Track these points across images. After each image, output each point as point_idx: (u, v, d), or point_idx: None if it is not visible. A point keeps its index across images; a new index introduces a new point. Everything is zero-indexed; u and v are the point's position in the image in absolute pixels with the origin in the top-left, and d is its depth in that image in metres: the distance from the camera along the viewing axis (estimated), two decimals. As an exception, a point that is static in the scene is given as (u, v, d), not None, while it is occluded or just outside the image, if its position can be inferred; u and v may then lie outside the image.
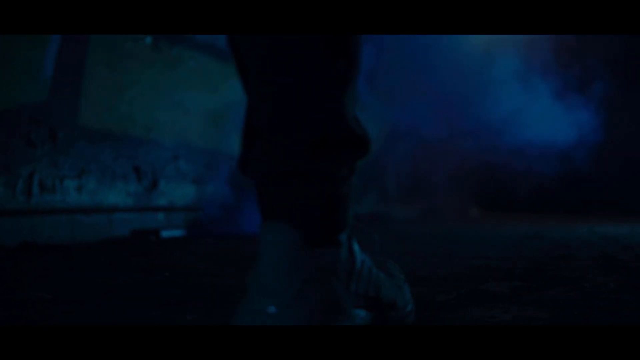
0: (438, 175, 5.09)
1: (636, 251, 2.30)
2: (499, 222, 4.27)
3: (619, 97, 5.05)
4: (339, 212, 0.83)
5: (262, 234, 0.80)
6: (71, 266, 1.72)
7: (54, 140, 2.30)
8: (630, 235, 3.14)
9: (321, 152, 0.79)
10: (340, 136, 0.80)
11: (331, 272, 0.83)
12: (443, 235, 3.07)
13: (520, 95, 5.08)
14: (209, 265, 1.81)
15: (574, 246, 2.51)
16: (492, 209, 5.33)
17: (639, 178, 5.16)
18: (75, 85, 2.37)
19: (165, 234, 2.59)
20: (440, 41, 4.60)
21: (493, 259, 1.99)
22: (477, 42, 4.98)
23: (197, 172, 2.96)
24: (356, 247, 0.88)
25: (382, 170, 4.54)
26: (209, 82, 2.90)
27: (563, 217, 4.79)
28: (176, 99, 2.77)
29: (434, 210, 4.89)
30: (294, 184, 0.80)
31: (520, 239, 2.90)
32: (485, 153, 5.12)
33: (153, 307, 1.16)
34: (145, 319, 1.06)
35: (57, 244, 2.23)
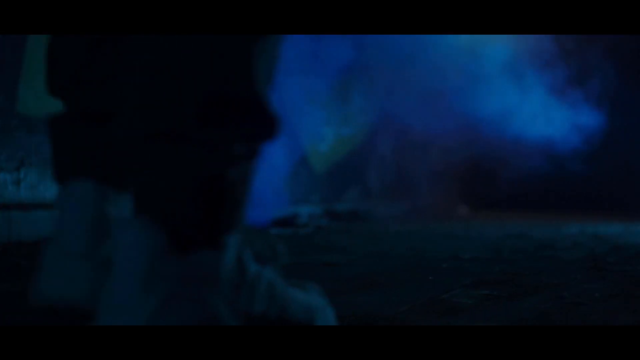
0: (425, 171, 4.89)
1: (627, 253, 2.10)
2: (486, 220, 4.07)
3: (615, 94, 4.86)
4: (226, 203, 0.63)
5: (115, 232, 0.61)
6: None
7: (-11, 128, 2.09)
8: (623, 235, 2.94)
9: (215, 115, 0.61)
10: (245, 101, 0.62)
11: (209, 285, 0.62)
12: (422, 235, 2.87)
13: (512, 91, 4.89)
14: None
15: (560, 247, 2.31)
16: (482, 206, 5.13)
17: (635, 175, 4.96)
18: (13, 68, 2.16)
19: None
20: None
21: (467, 262, 1.78)
22: (466, 35, 4.77)
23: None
24: (248, 256, 0.67)
25: (364, 165, 4.33)
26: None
27: (555, 216, 4.59)
28: (132, 85, 2.55)
29: (420, 207, 4.68)
30: (169, 154, 0.60)
31: (504, 238, 2.69)
32: (475, 149, 4.93)
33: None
34: None
35: (-9, 243, 2.02)
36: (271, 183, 3.27)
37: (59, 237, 0.70)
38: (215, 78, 0.60)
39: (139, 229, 0.60)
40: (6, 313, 1.02)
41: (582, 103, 4.91)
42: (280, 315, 0.71)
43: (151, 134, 0.60)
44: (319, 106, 3.66)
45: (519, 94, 4.93)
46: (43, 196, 2.26)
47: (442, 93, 4.74)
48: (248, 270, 0.67)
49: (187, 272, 0.60)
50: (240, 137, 0.62)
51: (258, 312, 0.68)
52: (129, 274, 0.59)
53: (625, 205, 4.77)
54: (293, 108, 3.56)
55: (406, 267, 1.65)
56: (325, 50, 3.65)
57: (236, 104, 0.61)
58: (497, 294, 1.25)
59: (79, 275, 0.68)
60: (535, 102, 4.95)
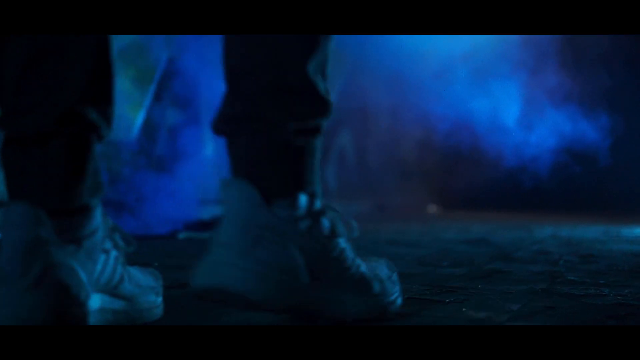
0: (391, 167, 4.48)
1: (598, 265, 1.68)
2: (453, 222, 3.65)
3: (600, 91, 4.46)
4: (293, 164, 0.85)
5: (224, 189, 0.85)
6: None
7: None
8: (600, 240, 2.52)
9: (274, 98, 0.83)
10: (295, 86, 0.83)
11: (290, 234, 0.84)
12: (365, 240, 2.44)
13: (489, 90, 4.49)
14: None
15: (519, 256, 1.89)
16: (454, 206, 4.71)
17: (624, 174, 4.56)
18: None
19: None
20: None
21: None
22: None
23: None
24: (326, 225, 0.88)
25: (320, 159, 3.90)
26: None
27: (532, 217, 4.18)
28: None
29: (384, 206, 4.26)
30: (249, 132, 0.84)
31: (460, 244, 2.27)
32: (449, 145, 4.53)
33: None
34: None
35: None
36: (199, 179, 2.85)
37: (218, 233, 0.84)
38: (277, 71, 0.83)
39: (239, 189, 0.83)
40: None
41: (564, 103, 4.53)
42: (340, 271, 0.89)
43: (236, 118, 0.85)
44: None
45: (496, 93, 4.54)
46: None
47: (414, 84, 4.35)
48: (323, 227, 0.89)
49: (273, 221, 0.83)
50: (295, 114, 0.84)
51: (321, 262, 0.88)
52: (231, 219, 0.83)
53: (610, 206, 4.37)
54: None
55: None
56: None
57: (291, 89, 0.83)
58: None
59: (225, 262, 0.82)
60: (513, 102, 4.57)
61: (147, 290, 0.95)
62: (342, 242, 0.90)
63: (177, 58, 2.88)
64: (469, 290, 1.24)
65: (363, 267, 0.92)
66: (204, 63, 2.99)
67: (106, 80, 0.87)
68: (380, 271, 0.95)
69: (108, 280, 0.87)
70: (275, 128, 0.83)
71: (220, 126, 0.87)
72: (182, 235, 2.25)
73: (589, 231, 2.99)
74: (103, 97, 0.86)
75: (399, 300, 0.97)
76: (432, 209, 4.57)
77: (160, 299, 0.98)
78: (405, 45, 4.24)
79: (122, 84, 2.67)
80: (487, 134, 4.56)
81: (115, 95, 0.88)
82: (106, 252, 0.87)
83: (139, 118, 2.75)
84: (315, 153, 0.88)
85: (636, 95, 4.55)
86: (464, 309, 1.05)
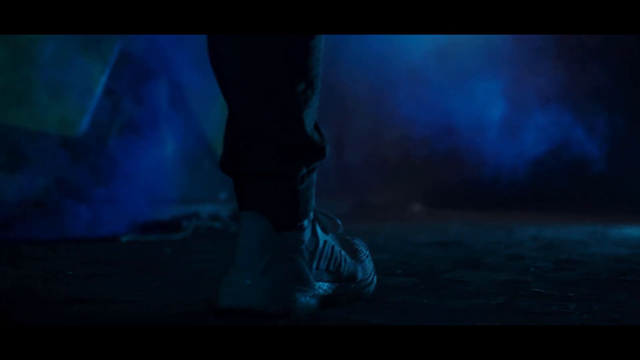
0: (374, 165, 4.29)
1: (571, 272, 1.49)
2: (434, 222, 3.46)
3: (594, 90, 4.28)
4: (301, 203, 0.96)
5: (239, 220, 0.96)
6: None
7: None
8: (584, 242, 2.33)
9: (284, 156, 0.94)
10: (299, 143, 0.95)
11: (296, 251, 0.96)
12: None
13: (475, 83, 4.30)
14: None
15: (487, 262, 1.70)
16: (440, 205, 4.52)
17: (619, 172, 4.37)
18: None
19: None
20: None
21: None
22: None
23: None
24: (319, 230, 1.01)
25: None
26: None
27: (520, 216, 3.99)
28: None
29: (366, 205, 4.07)
30: (264, 182, 0.95)
31: (428, 247, 2.08)
32: (435, 143, 4.33)
33: None
34: None
35: None
36: (158, 178, 2.66)
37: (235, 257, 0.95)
38: (283, 135, 0.94)
39: (254, 219, 0.94)
40: None
41: (558, 101, 4.34)
42: (336, 270, 1.03)
43: (252, 172, 0.95)
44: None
45: (487, 90, 4.35)
46: None
47: (399, 80, 4.16)
48: (319, 240, 0.99)
49: (284, 244, 0.94)
50: (302, 164, 0.95)
51: (323, 267, 1.01)
52: (247, 245, 0.93)
53: (602, 205, 4.19)
54: (195, 87, 2.96)
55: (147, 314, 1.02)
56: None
57: (297, 146, 0.95)
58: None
59: (246, 284, 0.92)
60: (500, 99, 4.39)
61: None
62: (331, 240, 1.03)
63: (133, 42, 2.69)
64: (410, 306, 1.05)
65: (348, 258, 1.06)
66: (165, 52, 2.81)
67: None
68: (360, 252, 1.10)
69: None
70: (284, 178, 0.94)
71: (232, 174, 0.97)
72: (125, 239, 2.06)
73: (575, 232, 2.81)
74: None
75: (375, 279, 1.12)
76: (417, 208, 4.38)
77: None
78: (387, 41, 4.05)
79: (78, 59, 2.48)
80: (475, 132, 4.37)
81: None
82: None
83: (95, 96, 2.56)
84: (314, 183, 0.99)
85: (634, 94, 4.37)
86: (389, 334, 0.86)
